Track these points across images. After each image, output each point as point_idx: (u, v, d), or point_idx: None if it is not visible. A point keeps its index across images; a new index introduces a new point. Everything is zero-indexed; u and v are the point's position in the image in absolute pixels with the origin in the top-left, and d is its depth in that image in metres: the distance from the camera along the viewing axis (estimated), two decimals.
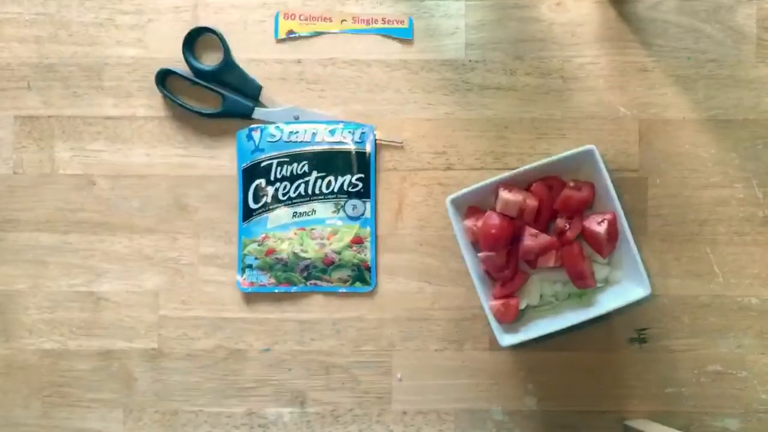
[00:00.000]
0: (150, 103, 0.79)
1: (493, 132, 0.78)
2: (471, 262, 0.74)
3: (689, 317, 0.78)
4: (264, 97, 0.79)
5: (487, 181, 0.74)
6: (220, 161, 0.79)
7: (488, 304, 0.74)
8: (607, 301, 0.75)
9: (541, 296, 0.76)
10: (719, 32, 0.78)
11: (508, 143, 0.78)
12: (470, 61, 0.78)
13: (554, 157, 0.74)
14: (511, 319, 0.74)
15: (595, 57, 0.78)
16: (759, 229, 0.78)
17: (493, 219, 0.73)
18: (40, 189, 0.79)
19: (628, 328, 0.78)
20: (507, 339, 0.73)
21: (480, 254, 0.74)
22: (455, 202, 0.74)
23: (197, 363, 0.79)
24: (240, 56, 0.79)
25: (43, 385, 0.79)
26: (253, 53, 0.79)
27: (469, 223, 0.75)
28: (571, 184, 0.75)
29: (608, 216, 0.74)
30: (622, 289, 0.75)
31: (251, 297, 0.79)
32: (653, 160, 0.78)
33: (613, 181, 0.73)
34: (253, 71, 0.79)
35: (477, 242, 0.75)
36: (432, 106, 0.79)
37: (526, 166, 0.74)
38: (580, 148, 0.73)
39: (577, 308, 0.75)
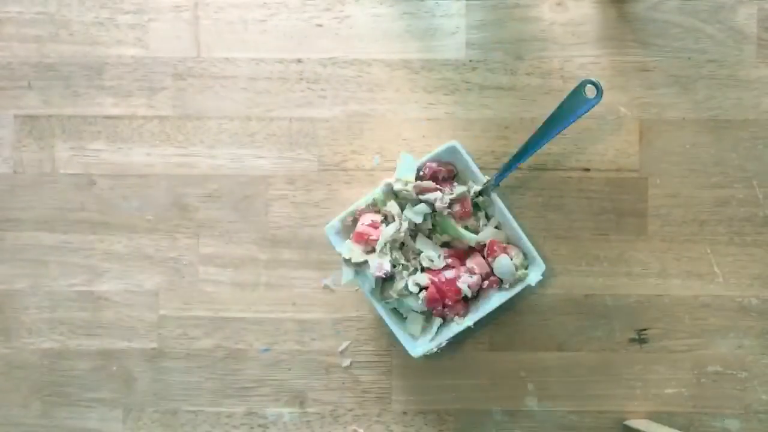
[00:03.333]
0: (150, 103, 0.79)
1: (494, 132, 0.78)
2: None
3: (689, 317, 0.78)
4: None
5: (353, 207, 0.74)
6: (221, 161, 0.79)
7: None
8: (506, 291, 0.74)
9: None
10: (720, 32, 0.78)
11: (509, 143, 0.78)
12: (471, 60, 0.78)
13: (420, 161, 0.74)
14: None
15: (596, 57, 0.78)
16: (759, 230, 0.78)
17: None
18: (40, 188, 0.79)
19: (628, 328, 0.78)
20: (419, 349, 0.73)
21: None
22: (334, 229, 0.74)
23: (197, 363, 0.79)
24: (240, 56, 0.79)
25: (42, 384, 0.79)
26: (253, 53, 0.79)
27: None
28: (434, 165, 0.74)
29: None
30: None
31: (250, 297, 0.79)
32: (653, 160, 0.78)
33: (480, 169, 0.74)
34: (253, 71, 0.79)
35: None
36: (432, 105, 0.79)
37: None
38: (443, 147, 0.73)
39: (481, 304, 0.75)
